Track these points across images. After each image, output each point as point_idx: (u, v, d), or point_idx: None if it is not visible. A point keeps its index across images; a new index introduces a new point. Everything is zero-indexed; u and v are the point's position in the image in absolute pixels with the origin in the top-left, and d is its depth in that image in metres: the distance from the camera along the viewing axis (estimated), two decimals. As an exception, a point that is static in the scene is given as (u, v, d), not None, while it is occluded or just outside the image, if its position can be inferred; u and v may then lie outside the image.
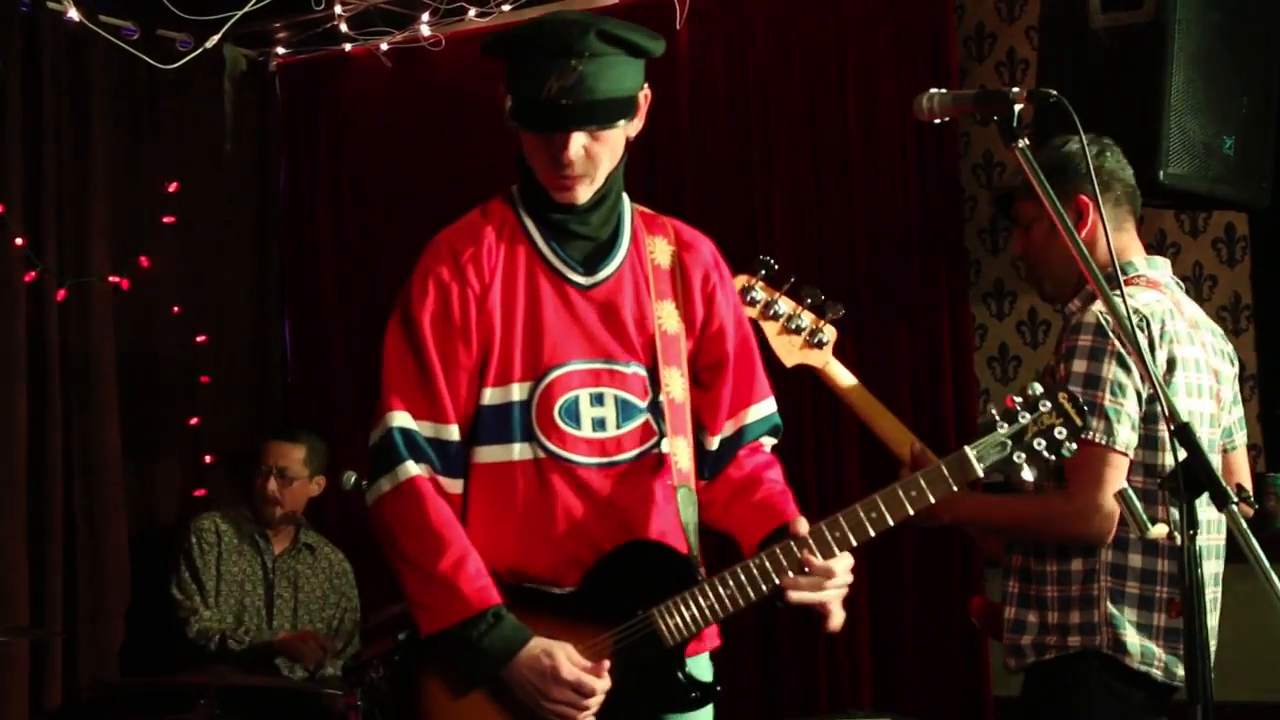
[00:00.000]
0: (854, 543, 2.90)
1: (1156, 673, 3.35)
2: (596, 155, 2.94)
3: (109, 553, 5.74)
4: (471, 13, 6.09)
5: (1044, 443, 2.86)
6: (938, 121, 2.84)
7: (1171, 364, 3.38)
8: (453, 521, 2.87)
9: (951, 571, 5.51)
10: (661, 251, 3.08)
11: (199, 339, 6.24)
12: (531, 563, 2.92)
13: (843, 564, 2.91)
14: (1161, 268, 3.56)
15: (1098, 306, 3.35)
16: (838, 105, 5.78)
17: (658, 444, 3.01)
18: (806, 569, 2.87)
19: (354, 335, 6.51)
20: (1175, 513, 2.41)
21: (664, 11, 5.96)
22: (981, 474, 2.87)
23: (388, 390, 2.92)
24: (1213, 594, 3.52)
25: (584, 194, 2.98)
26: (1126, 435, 3.29)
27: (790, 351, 3.63)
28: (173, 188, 6.18)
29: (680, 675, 2.96)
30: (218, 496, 6.13)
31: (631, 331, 3.00)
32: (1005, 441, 2.86)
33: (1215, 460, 3.48)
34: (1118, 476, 3.29)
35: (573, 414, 2.94)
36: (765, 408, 3.18)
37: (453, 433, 2.92)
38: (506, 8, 6.03)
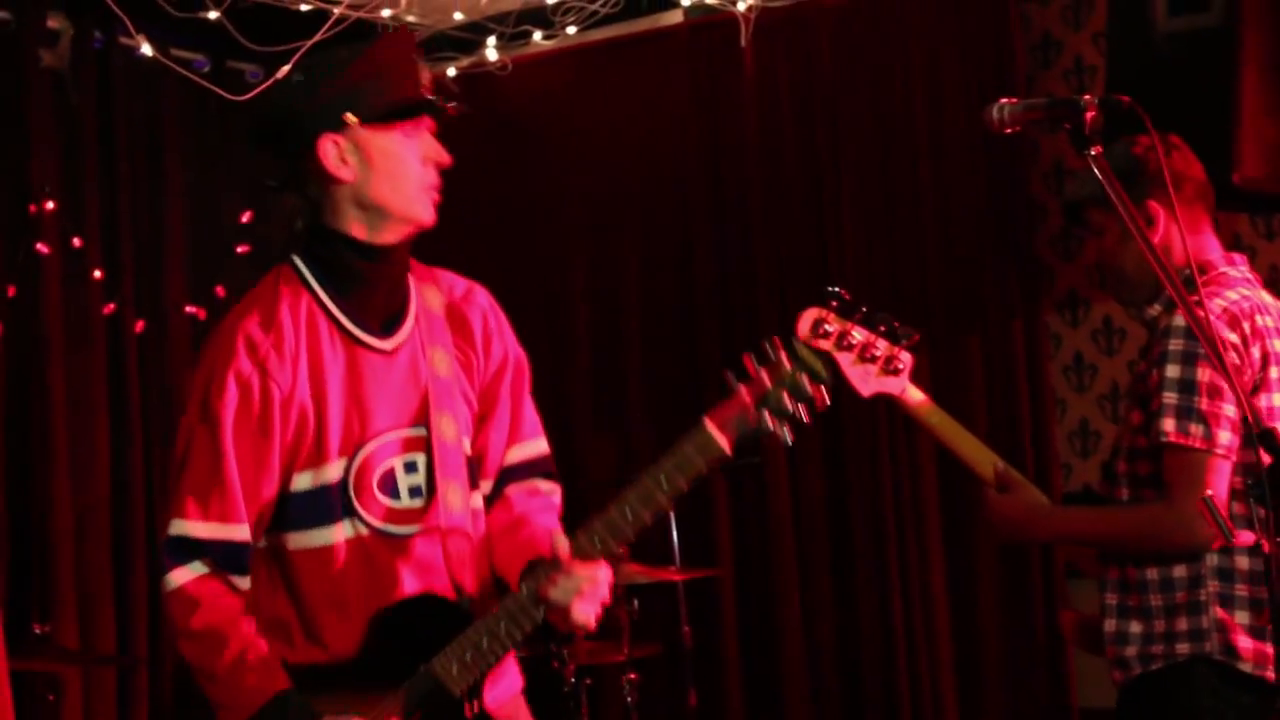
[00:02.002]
0: (613, 545, 2.76)
1: (1272, 675, 3.25)
2: None
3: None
4: (537, 35, 6.13)
5: (789, 399, 2.72)
6: (1008, 131, 2.82)
7: (1266, 359, 3.34)
8: (231, 619, 2.81)
9: (1032, 581, 5.48)
10: (434, 301, 3.02)
11: (275, 367, 6.29)
12: (360, 640, 2.86)
13: (601, 573, 2.77)
14: (1240, 264, 3.52)
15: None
16: (905, 117, 5.77)
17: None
18: (565, 574, 2.74)
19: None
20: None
21: (728, 30, 5.98)
22: (729, 449, 2.72)
23: (177, 491, 2.84)
24: None
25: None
26: (1227, 439, 3.24)
27: (866, 381, 3.56)
28: (246, 218, 6.24)
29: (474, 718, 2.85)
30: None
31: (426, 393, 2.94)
32: (748, 409, 2.71)
33: None
34: (1221, 481, 3.23)
35: (390, 485, 2.88)
36: (531, 448, 3.08)
37: (241, 532, 2.83)
38: (571, 30, 6.06)
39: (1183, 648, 3.31)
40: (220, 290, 6.09)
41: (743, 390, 2.74)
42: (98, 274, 5.64)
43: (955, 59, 5.68)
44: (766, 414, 2.72)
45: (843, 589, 5.81)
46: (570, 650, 5.02)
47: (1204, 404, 3.25)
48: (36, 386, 5.46)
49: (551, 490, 3.11)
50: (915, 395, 3.57)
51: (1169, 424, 3.26)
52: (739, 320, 6.01)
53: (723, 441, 2.72)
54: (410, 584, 2.88)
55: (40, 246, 5.49)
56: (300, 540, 2.88)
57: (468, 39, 6.23)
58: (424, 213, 2.93)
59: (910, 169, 5.75)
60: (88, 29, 5.68)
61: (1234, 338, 3.28)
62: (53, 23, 5.62)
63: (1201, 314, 2.60)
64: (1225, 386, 3.24)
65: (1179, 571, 3.33)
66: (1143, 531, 3.36)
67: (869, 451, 5.73)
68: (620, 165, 6.27)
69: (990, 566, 5.54)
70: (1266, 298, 3.50)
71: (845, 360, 3.54)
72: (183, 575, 2.82)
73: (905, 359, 3.54)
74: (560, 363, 6.24)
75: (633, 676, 5.16)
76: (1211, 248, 3.50)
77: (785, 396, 2.72)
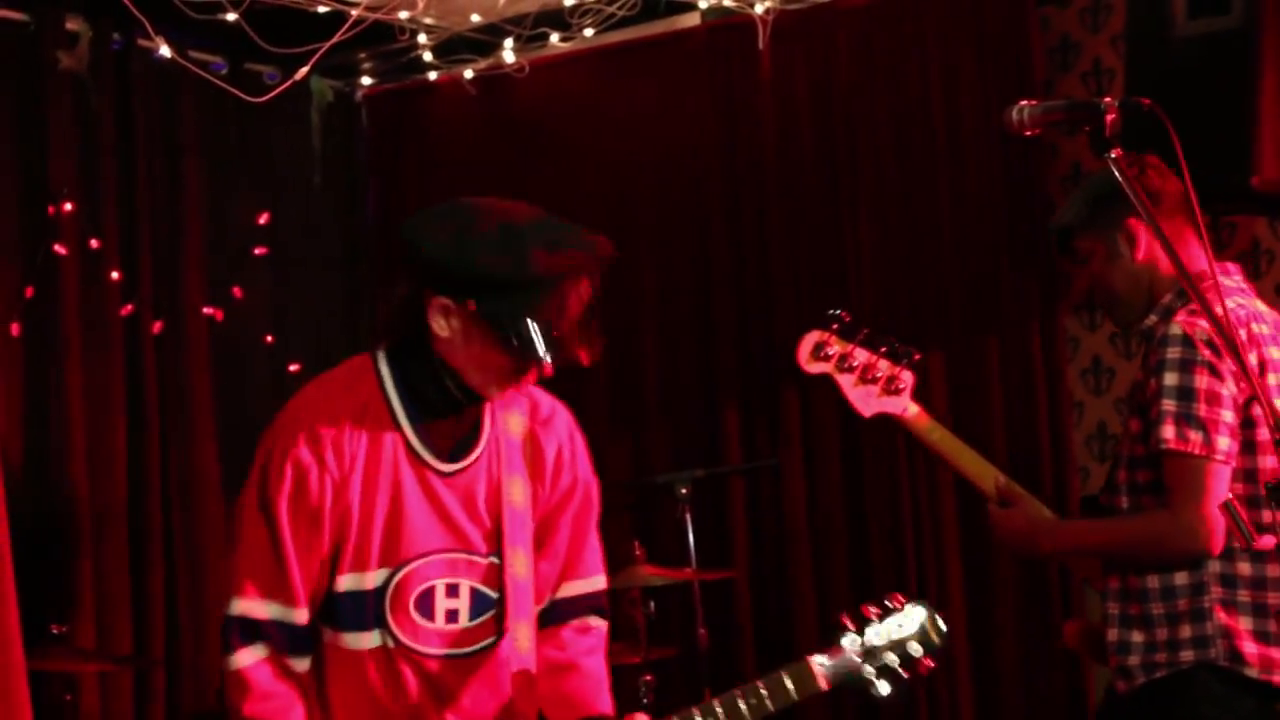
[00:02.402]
0: None
1: (1278, 679, 3.28)
2: None
3: (209, 582, 5.80)
4: (554, 38, 6.13)
5: (897, 659, 2.80)
6: (1028, 134, 2.81)
7: (1263, 366, 3.36)
8: (282, 708, 2.85)
9: (1049, 586, 5.46)
10: (516, 425, 2.99)
11: (292, 368, 6.29)
12: None
13: None
14: (1234, 274, 3.54)
15: (1181, 318, 3.35)
16: (923, 119, 5.76)
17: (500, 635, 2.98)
18: None
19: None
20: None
21: (746, 32, 5.98)
22: (826, 688, 2.80)
23: (238, 571, 2.86)
24: None
25: None
26: (1226, 444, 3.26)
27: (867, 402, 3.62)
28: (263, 219, 6.26)
29: None
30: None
31: (487, 520, 2.94)
32: (855, 658, 2.80)
33: None
34: (1221, 486, 3.25)
35: (427, 606, 2.89)
36: (588, 584, 3.10)
37: (301, 615, 2.86)
38: (589, 32, 6.06)
39: (1187, 655, 3.32)
40: (238, 291, 6.11)
41: (854, 640, 2.82)
42: (115, 275, 5.66)
43: (973, 61, 5.67)
44: (870, 668, 2.80)
45: (859, 591, 5.79)
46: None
47: (1202, 410, 3.27)
48: (54, 387, 5.48)
49: (600, 626, 3.12)
50: (916, 413, 3.61)
51: (1168, 431, 3.27)
52: (755, 323, 6.00)
53: (822, 683, 2.81)
54: (432, 703, 2.91)
55: (58, 248, 5.51)
56: (334, 638, 2.91)
57: (485, 41, 6.23)
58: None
59: (928, 171, 5.74)
60: (106, 31, 5.70)
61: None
62: (71, 25, 5.64)
63: (1220, 313, 2.61)
64: (1222, 393, 3.27)
65: (1180, 579, 3.34)
66: (1146, 540, 3.38)
67: (887, 454, 5.72)
68: (637, 167, 6.27)
69: (1007, 571, 5.52)
70: (1261, 306, 3.51)
71: (846, 382, 3.61)
72: (243, 658, 2.85)
73: (907, 378, 3.59)
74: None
75: (649, 678, 5.15)
76: (1201, 258, 3.46)
77: (893, 657, 2.80)
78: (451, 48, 6.28)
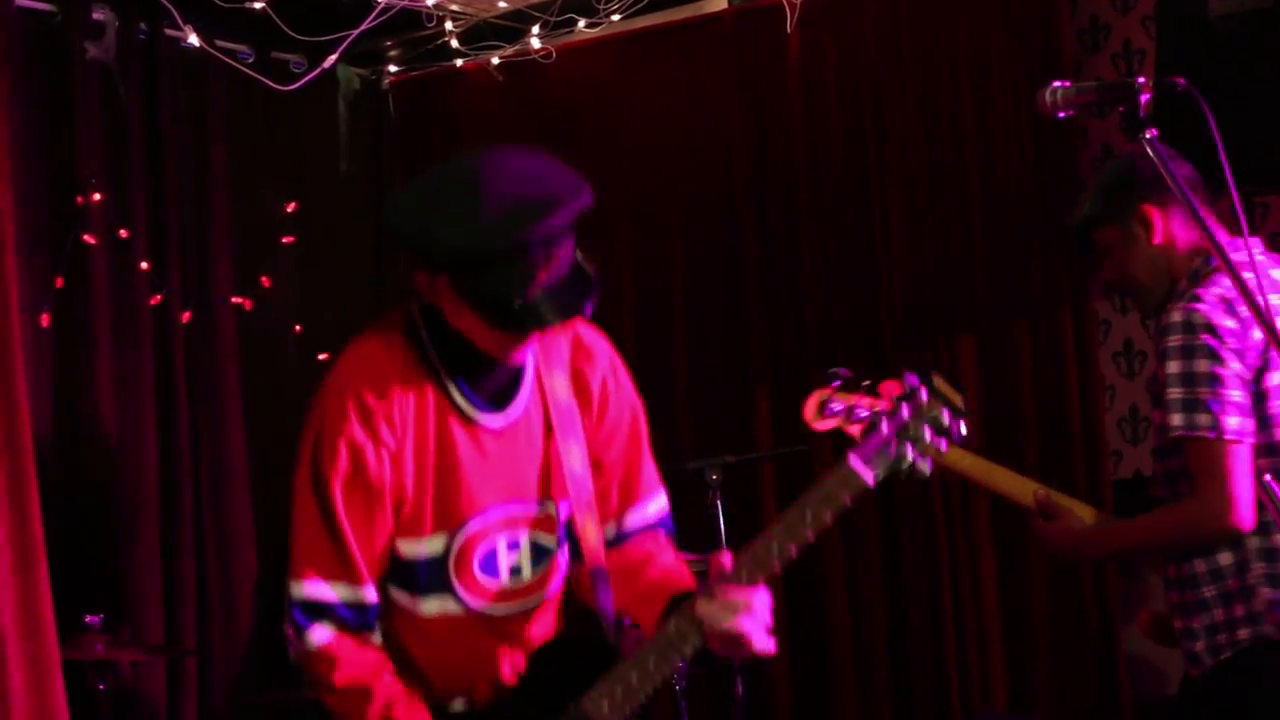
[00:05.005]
0: (759, 578, 2.77)
1: None
2: None
3: (240, 571, 5.81)
4: (581, 24, 6.12)
5: (930, 431, 2.75)
6: (1061, 116, 2.81)
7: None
8: (373, 672, 2.84)
9: (1082, 571, 5.44)
10: (561, 388, 2.95)
11: (321, 357, 6.29)
12: (448, 690, 2.94)
13: (759, 596, 2.78)
14: (1240, 250, 3.50)
15: (1184, 304, 3.40)
16: (951, 103, 5.73)
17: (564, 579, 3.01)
18: (724, 600, 2.77)
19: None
20: None
21: (774, 17, 5.95)
22: (872, 482, 2.76)
23: (297, 555, 2.86)
24: None
25: None
26: (1236, 424, 3.31)
27: None
28: (291, 208, 6.26)
29: None
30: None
31: (539, 469, 2.93)
32: (890, 441, 2.76)
33: None
34: (1240, 465, 3.31)
35: (491, 565, 2.91)
36: (650, 505, 3.11)
37: (369, 593, 2.85)
38: (616, 18, 6.04)
39: (1243, 633, 3.38)
40: (266, 281, 6.12)
41: (884, 424, 2.76)
42: (144, 265, 5.66)
43: (1002, 43, 5.64)
44: (908, 447, 2.75)
45: (891, 579, 5.78)
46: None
47: (1205, 393, 3.32)
48: (84, 377, 5.50)
49: (669, 536, 3.12)
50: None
51: (1176, 418, 3.35)
52: (785, 307, 5.98)
53: (866, 475, 2.75)
54: (505, 646, 2.94)
55: (87, 238, 5.52)
56: (400, 598, 2.92)
57: (511, 28, 6.22)
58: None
59: (957, 154, 5.71)
60: (133, 20, 5.70)
61: (1231, 324, 3.35)
62: (98, 15, 5.64)
63: (1248, 278, 2.63)
64: (1225, 374, 3.32)
65: (1225, 559, 3.40)
66: (1180, 528, 3.44)
67: (916, 439, 5.69)
68: (665, 153, 6.25)
69: (1040, 557, 5.49)
70: (1274, 274, 3.52)
71: (856, 433, 3.69)
72: (319, 635, 2.83)
73: None
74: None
75: (680, 666, 5.14)
76: (1220, 234, 3.47)
77: (926, 430, 2.75)
78: (478, 34, 6.27)
